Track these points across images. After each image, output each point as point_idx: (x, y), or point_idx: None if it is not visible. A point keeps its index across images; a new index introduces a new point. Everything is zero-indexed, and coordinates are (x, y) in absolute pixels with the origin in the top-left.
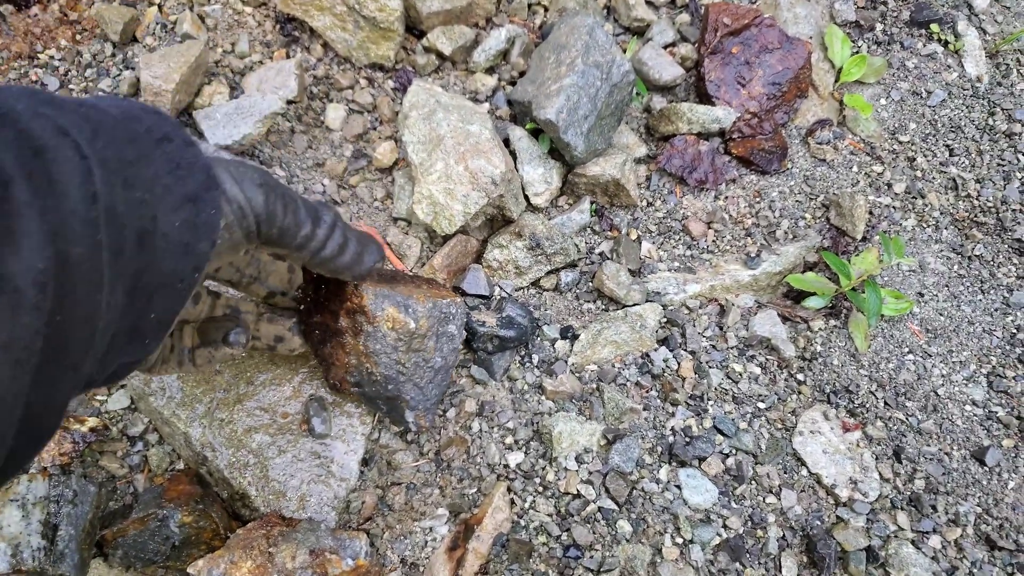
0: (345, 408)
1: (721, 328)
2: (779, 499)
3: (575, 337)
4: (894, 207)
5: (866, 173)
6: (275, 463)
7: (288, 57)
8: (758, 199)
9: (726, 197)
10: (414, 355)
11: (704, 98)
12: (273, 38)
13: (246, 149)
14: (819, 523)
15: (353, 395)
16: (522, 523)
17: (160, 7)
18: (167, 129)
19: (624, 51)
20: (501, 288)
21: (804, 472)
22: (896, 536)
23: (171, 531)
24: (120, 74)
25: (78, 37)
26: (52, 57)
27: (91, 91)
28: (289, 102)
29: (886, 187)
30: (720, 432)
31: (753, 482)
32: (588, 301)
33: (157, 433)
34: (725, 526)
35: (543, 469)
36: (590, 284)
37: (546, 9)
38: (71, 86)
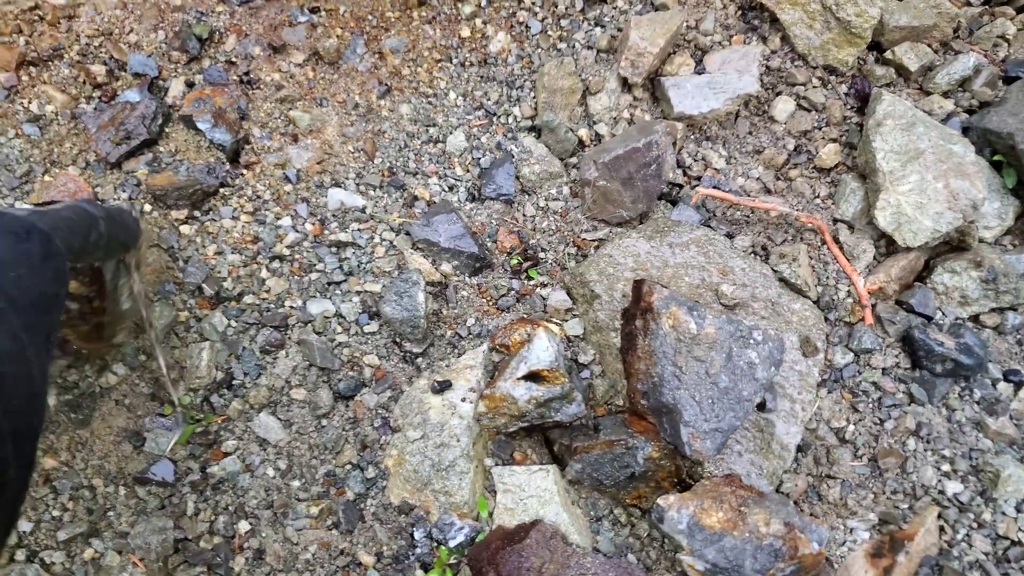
0: (788, 392)
1: None
2: None
3: (1020, 384)
4: None
5: None
6: None
7: (744, 43)
8: None
9: None
10: (695, 363)
11: None
12: (734, 23)
13: (701, 122)
14: None
15: (645, 412)
16: (954, 553)
17: None
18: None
19: None
20: (943, 313)
21: None
22: None
23: (635, 461)
24: (592, 29)
25: None
26: (534, 3)
27: (566, 39)
28: None
29: None
30: None
31: None
32: None
33: (601, 366)
34: None
35: (979, 506)
36: None
37: (1009, 43)
38: (548, 32)
